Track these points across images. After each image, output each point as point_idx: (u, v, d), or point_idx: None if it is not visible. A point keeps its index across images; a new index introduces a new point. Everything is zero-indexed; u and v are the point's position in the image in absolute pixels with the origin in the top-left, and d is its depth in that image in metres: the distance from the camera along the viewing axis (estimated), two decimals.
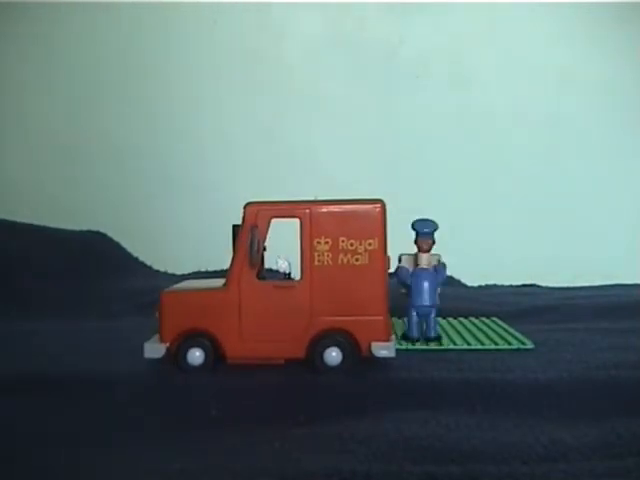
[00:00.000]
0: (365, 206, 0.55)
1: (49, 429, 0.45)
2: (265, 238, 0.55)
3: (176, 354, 0.55)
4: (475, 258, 1.07)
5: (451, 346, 0.63)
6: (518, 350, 0.62)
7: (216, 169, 1.12)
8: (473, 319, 0.77)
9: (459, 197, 1.09)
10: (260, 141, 1.12)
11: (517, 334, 0.67)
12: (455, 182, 1.10)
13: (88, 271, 0.97)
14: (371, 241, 0.54)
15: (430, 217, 1.06)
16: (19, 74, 1.15)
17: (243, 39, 1.12)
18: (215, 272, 1.06)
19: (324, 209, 0.55)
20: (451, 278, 1.04)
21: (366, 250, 0.54)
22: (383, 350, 0.54)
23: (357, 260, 0.54)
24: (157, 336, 0.56)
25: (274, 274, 0.58)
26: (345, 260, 0.54)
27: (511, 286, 1.04)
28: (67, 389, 0.52)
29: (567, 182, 1.09)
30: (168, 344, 0.55)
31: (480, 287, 1.05)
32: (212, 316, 0.55)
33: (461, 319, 0.77)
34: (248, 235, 0.54)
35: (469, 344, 0.64)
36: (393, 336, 0.57)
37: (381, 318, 0.54)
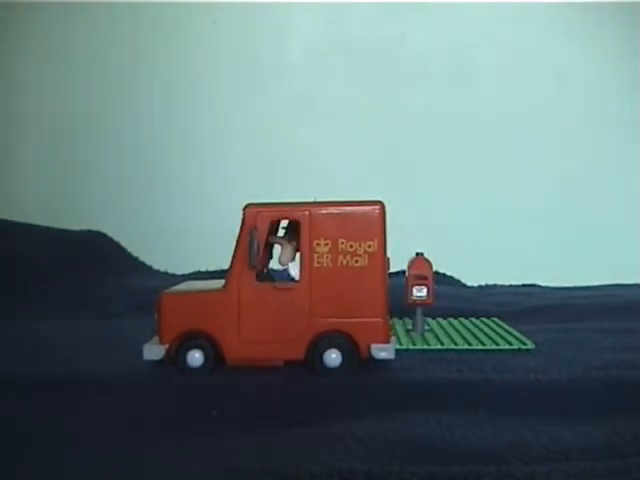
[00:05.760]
0: (364, 207, 0.55)
1: (48, 429, 0.45)
2: (265, 240, 0.55)
3: (175, 356, 0.55)
4: (475, 258, 1.07)
5: (452, 346, 0.63)
6: (519, 350, 0.62)
7: (216, 169, 1.12)
8: (473, 319, 0.77)
9: (459, 197, 1.09)
10: (260, 141, 1.12)
11: (518, 334, 0.67)
12: (455, 182, 1.10)
13: (88, 271, 0.97)
14: (370, 243, 0.54)
15: (430, 217, 1.07)
16: (20, 75, 1.15)
17: (243, 39, 1.12)
18: (215, 272, 1.06)
19: (323, 211, 0.54)
20: (451, 278, 1.05)
21: (365, 252, 0.54)
22: (383, 352, 0.54)
23: (357, 262, 0.54)
24: (156, 338, 0.56)
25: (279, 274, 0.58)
26: (345, 262, 0.54)
27: (511, 286, 1.04)
28: (67, 389, 0.52)
29: (567, 182, 1.09)
30: (167, 346, 0.55)
31: (480, 287, 1.04)
32: (211, 318, 0.54)
33: (461, 319, 0.77)
34: (247, 237, 0.54)
35: (470, 344, 0.64)
36: (393, 338, 0.57)
37: (380, 320, 0.54)
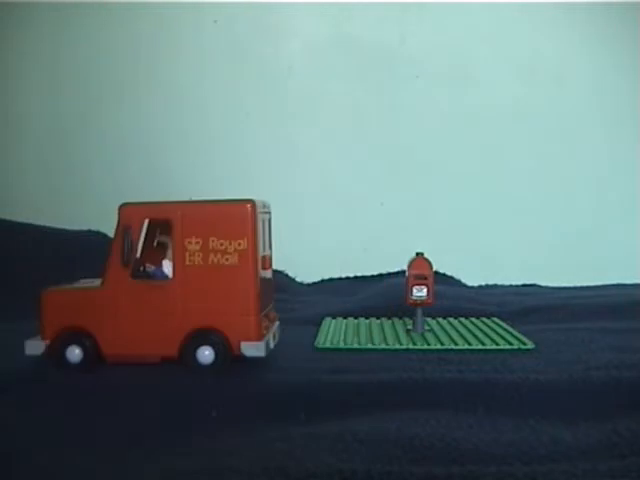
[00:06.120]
0: (234, 206, 0.55)
1: (48, 430, 0.45)
2: (139, 238, 0.56)
3: (55, 352, 0.56)
4: (475, 258, 1.07)
5: (452, 346, 0.63)
6: (519, 350, 0.62)
7: (216, 169, 1.12)
8: (473, 319, 0.77)
9: (459, 197, 1.09)
10: (259, 141, 1.12)
11: (518, 334, 0.67)
12: (455, 182, 1.10)
13: (88, 271, 0.97)
14: (241, 241, 0.55)
15: (430, 216, 1.06)
16: (21, 75, 1.15)
17: (244, 39, 1.12)
18: None
19: (194, 210, 0.55)
20: (451, 278, 1.05)
21: (236, 250, 0.55)
22: (252, 349, 0.55)
23: (227, 260, 0.55)
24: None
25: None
26: (215, 260, 0.55)
27: (511, 286, 1.04)
28: (66, 389, 0.52)
29: (567, 182, 1.09)
30: (48, 342, 0.57)
31: (480, 287, 1.05)
32: (90, 314, 0.56)
33: (461, 319, 0.77)
34: (122, 236, 0.56)
35: (470, 344, 0.64)
36: (270, 335, 0.57)
37: (251, 317, 0.55)
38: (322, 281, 1.09)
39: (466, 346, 0.63)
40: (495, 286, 1.05)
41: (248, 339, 0.54)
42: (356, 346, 0.64)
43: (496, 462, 0.38)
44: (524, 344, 0.63)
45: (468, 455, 0.39)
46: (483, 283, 1.06)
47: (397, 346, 0.63)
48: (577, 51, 1.09)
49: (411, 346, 0.63)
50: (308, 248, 1.07)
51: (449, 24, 1.10)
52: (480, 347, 0.63)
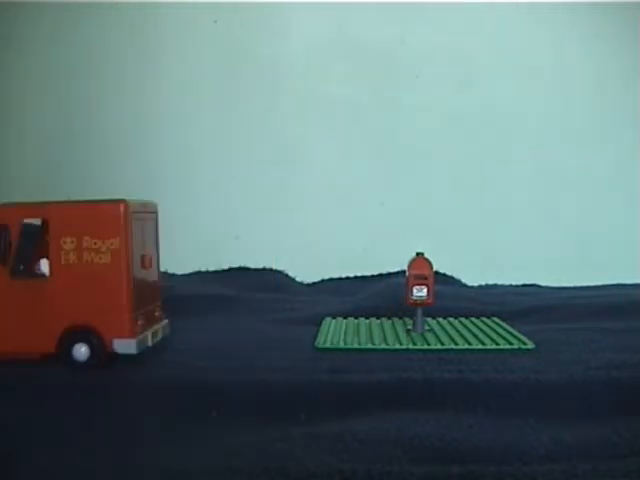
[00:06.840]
0: (107, 206, 0.56)
1: (45, 429, 0.45)
2: (18, 238, 0.57)
3: None
4: (475, 258, 1.07)
5: (452, 346, 0.63)
6: (519, 350, 0.62)
7: (216, 168, 1.12)
8: (474, 319, 0.77)
9: (459, 197, 1.09)
10: (259, 141, 1.12)
11: (518, 334, 0.67)
12: (455, 182, 1.10)
13: None
14: (113, 240, 0.56)
15: (430, 217, 1.06)
16: (21, 75, 1.15)
17: (244, 39, 1.12)
18: (215, 272, 1.06)
19: (69, 210, 0.57)
20: (451, 278, 1.05)
21: (109, 249, 0.56)
22: (124, 347, 0.56)
23: (100, 259, 0.56)
24: None
25: None
26: (89, 259, 0.56)
27: (511, 286, 1.04)
28: (64, 389, 0.52)
29: (567, 182, 1.09)
30: None
31: (480, 287, 1.04)
32: None
33: (462, 319, 0.77)
34: None
35: (470, 344, 0.64)
36: (148, 333, 0.58)
37: (124, 315, 0.56)
38: (322, 281, 1.09)
39: (466, 346, 0.63)
40: (495, 286, 1.05)
41: (120, 336, 0.55)
42: (356, 346, 0.64)
43: (496, 462, 0.38)
44: (524, 344, 0.63)
45: (468, 455, 0.39)
46: (483, 283, 1.06)
47: (397, 346, 0.64)
48: (577, 51, 1.09)
49: (411, 346, 0.63)
50: (308, 248, 1.07)
51: (449, 24, 1.10)
52: (480, 347, 0.63)
